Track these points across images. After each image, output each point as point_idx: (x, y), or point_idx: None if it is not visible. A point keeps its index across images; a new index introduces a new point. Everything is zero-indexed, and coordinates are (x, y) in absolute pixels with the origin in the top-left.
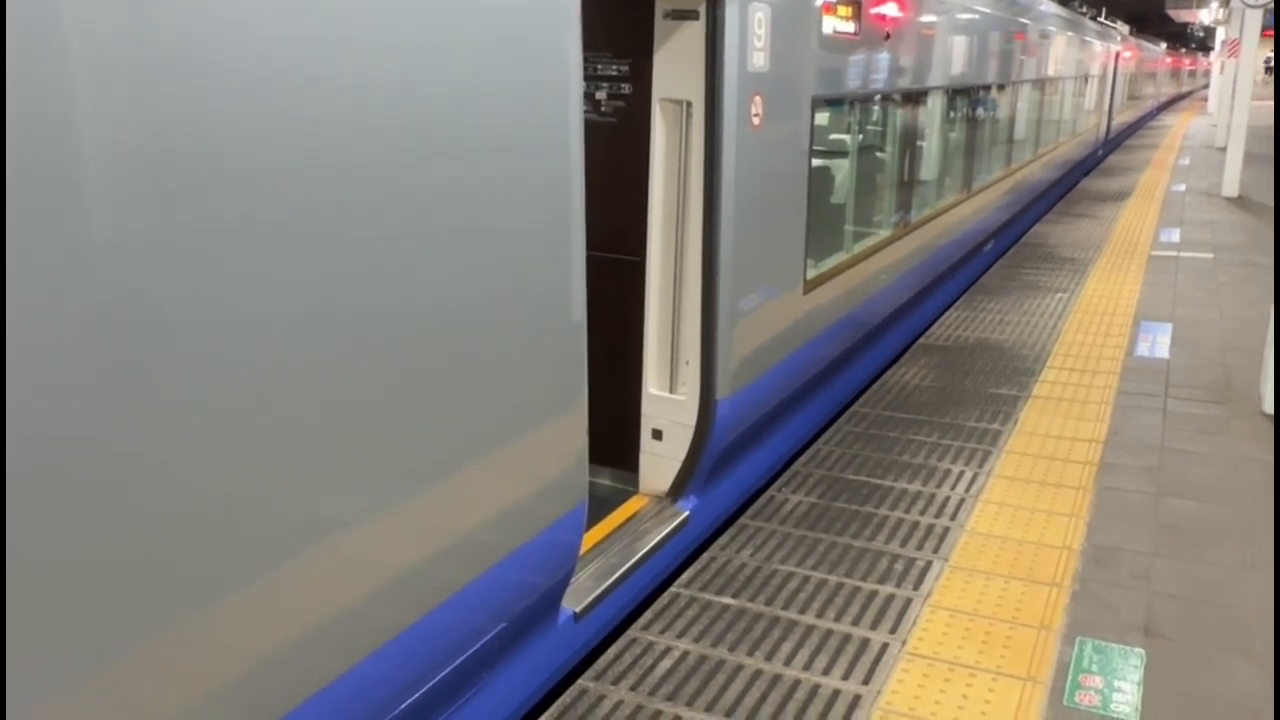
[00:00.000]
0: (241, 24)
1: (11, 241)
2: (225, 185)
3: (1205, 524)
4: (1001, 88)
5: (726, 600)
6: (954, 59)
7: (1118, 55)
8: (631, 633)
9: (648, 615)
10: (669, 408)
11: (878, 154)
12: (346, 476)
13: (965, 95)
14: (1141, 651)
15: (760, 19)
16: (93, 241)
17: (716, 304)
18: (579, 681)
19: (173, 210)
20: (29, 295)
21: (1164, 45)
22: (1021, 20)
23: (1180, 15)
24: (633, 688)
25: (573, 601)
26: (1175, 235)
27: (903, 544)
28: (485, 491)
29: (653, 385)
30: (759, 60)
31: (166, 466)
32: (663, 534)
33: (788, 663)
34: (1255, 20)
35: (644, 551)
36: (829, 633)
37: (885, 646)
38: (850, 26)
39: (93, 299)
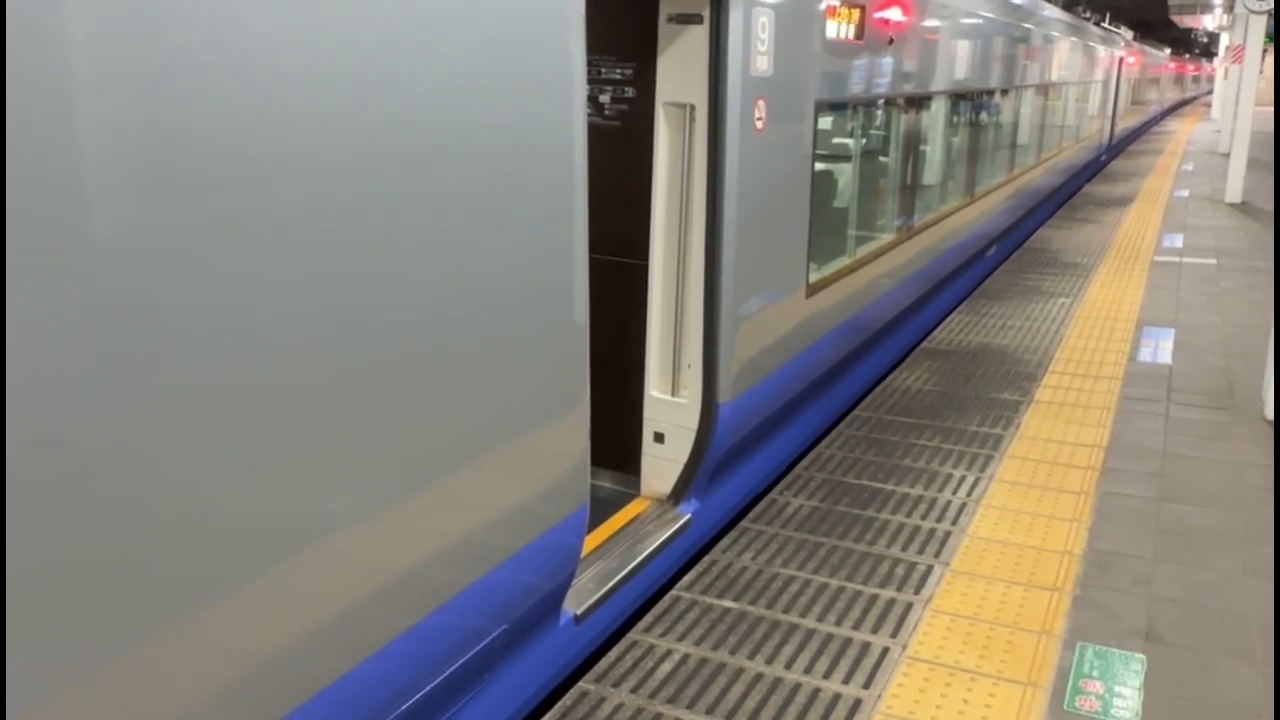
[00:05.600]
0: (245, 23)
1: (11, 241)
2: (226, 185)
3: (1206, 529)
4: (1005, 93)
5: (727, 603)
6: (957, 64)
7: (1121, 61)
8: (632, 635)
9: (648, 618)
10: (671, 411)
11: (881, 158)
12: (348, 477)
13: (968, 100)
14: (1142, 657)
15: (764, 23)
16: (93, 241)
17: (719, 307)
18: (579, 684)
19: (174, 211)
20: (28, 295)
21: (1168, 51)
22: (1025, 25)
23: (1184, 21)
24: (633, 690)
25: (574, 604)
26: (1178, 240)
27: (904, 548)
28: (487, 493)
29: (655, 388)
30: (762, 64)
31: (167, 467)
32: (664, 537)
33: (788, 666)
34: (1259, 26)
35: (645, 554)
36: (830, 636)
37: (886, 651)
38: (853, 31)
39: (93, 299)
